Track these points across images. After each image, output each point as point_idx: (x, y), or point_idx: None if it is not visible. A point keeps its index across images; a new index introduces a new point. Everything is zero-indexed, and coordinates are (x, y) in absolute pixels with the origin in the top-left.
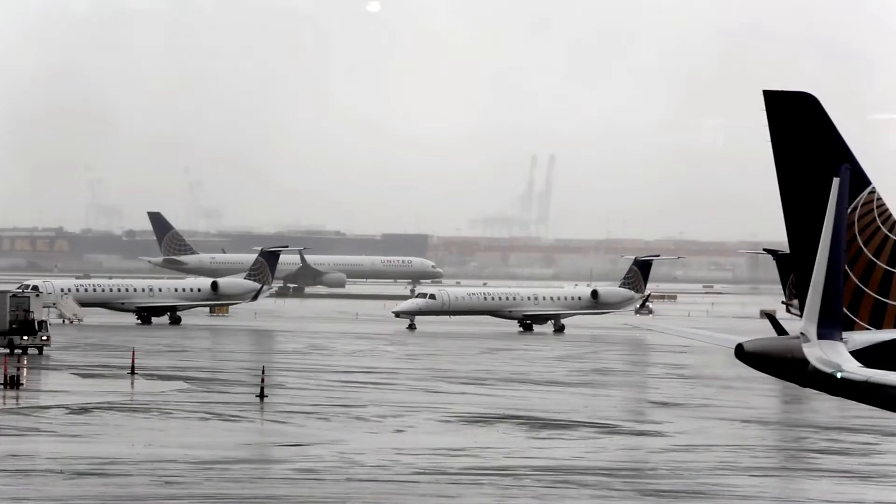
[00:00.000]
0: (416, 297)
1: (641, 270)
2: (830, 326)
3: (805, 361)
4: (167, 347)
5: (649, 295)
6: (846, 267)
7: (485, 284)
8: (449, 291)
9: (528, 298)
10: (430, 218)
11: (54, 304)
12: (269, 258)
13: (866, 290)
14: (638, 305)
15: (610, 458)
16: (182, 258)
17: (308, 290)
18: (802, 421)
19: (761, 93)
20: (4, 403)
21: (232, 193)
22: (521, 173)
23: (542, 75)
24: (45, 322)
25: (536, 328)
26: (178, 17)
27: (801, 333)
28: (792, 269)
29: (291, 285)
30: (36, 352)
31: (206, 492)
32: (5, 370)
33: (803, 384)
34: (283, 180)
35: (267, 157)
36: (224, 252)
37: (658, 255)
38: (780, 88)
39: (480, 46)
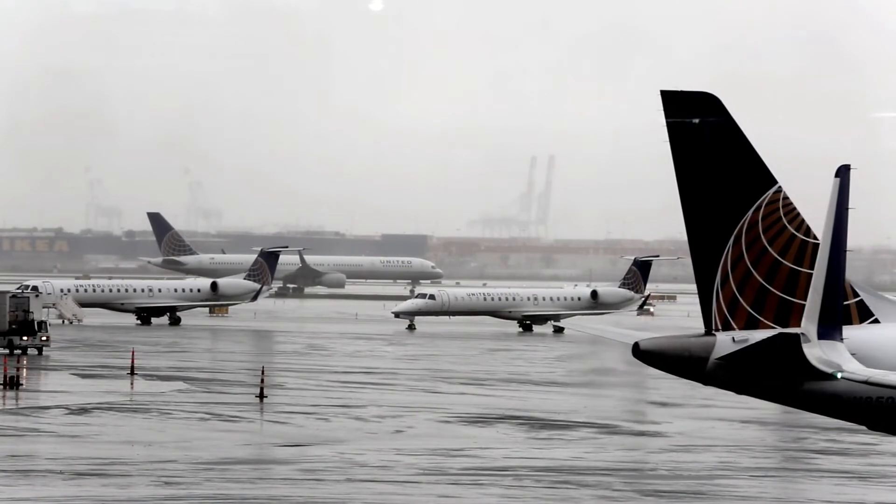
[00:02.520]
0: (416, 297)
1: (641, 271)
2: (830, 326)
3: (704, 360)
4: (167, 348)
5: (649, 295)
6: (749, 266)
7: (484, 285)
8: (448, 292)
9: (528, 299)
10: (429, 218)
11: (54, 304)
12: (269, 259)
13: (771, 288)
14: (638, 306)
15: (610, 458)
16: (182, 259)
17: (308, 290)
18: (802, 421)
19: (659, 93)
20: (4, 404)
21: (232, 193)
22: (521, 173)
23: (542, 75)
24: (45, 322)
25: (536, 328)
26: (178, 17)
27: (802, 333)
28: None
29: (291, 286)
30: (36, 352)
31: (206, 492)
32: (5, 370)
33: (704, 382)
34: (283, 180)
35: (267, 157)
36: (224, 252)
37: (658, 256)
38: (679, 88)
39: (480, 46)
